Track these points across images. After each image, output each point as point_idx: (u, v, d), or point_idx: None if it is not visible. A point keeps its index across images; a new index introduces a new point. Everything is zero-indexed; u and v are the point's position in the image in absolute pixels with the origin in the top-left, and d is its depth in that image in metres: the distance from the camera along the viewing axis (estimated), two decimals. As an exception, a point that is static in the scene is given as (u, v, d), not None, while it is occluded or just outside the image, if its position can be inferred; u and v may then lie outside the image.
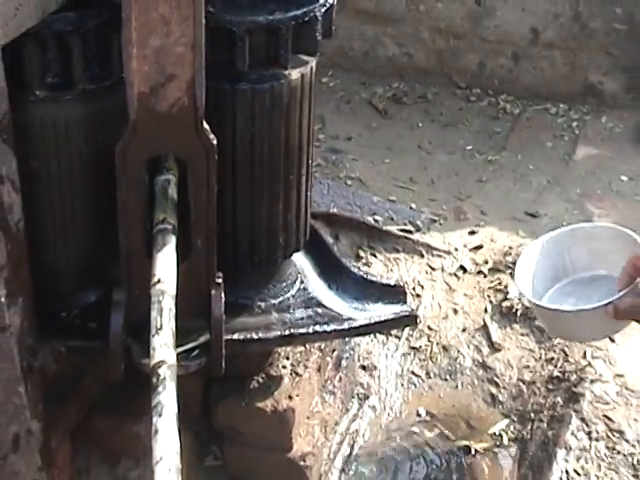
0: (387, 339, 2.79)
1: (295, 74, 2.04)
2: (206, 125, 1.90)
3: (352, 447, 2.59)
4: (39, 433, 2.05)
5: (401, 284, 2.41)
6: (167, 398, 1.62)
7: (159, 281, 1.77)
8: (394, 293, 2.32)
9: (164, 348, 1.68)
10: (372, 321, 2.26)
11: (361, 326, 2.25)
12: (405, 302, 2.32)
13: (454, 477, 2.54)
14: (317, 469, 2.46)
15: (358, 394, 2.68)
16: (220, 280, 2.06)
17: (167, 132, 1.89)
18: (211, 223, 2.01)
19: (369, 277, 2.36)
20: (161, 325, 1.72)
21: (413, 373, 2.75)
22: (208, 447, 2.47)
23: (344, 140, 3.47)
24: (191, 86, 1.85)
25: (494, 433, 2.64)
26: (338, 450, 2.57)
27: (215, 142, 1.92)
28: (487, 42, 3.62)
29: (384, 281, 2.40)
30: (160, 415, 1.58)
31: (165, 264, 1.80)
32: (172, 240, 1.84)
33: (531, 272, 2.11)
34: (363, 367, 2.74)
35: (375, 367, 2.75)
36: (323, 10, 2.01)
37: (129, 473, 2.32)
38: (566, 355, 2.74)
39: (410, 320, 2.34)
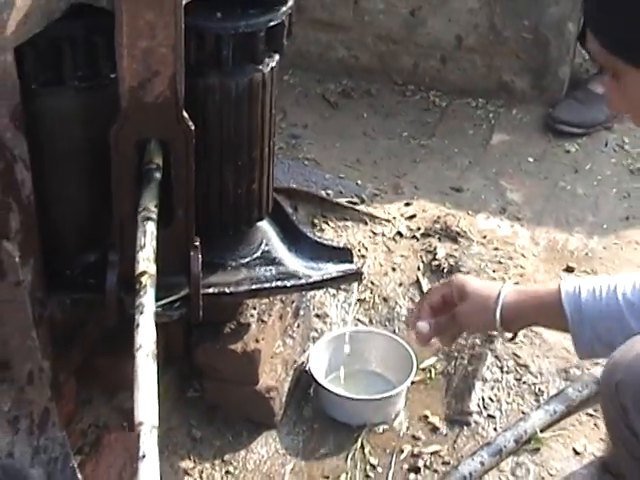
0: (337, 292, 2.71)
1: (266, 69, 1.99)
2: (185, 114, 1.85)
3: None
4: (49, 370, 2.00)
5: (349, 247, 2.37)
6: (147, 300, 1.65)
7: (144, 209, 1.76)
8: (343, 254, 2.27)
9: (146, 262, 1.70)
10: (324, 278, 2.22)
11: (315, 282, 2.21)
12: (352, 262, 2.26)
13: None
14: (279, 400, 2.40)
15: (313, 337, 2.62)
16: (197, 243, 2.01)
17: (153, 119, 1.84)
18: (190, 196, 1.96)
19: (322, 241, 2.31)
20: (144, 244, 1.72)
21: (359, 320, 2.69)
22: (189, 382, 2.41)
23: (302, 127, 3.39)
24: (173, 81, 1.80)
25: (424, 368, 2.59)
26: (296, 384, 2.52)
27: (193, 128, 1.87)
28: (420, 47, 3.55)
29: (334, 244, 2.36)
30: (141, 313, 1.60)
31: (149, 198, 1.78)
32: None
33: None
34: (317, 315, 2.67)
35: (327, 315, 2.68)
36: (287, 17, 1.97)
37: (124, 403, 2.25)
38: (484, 304, 2.71)
39: (356, 277, 2.28)
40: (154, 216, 1.77)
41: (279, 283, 2.16)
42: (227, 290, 2.11)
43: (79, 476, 2.03)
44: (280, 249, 2.24)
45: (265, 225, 2.25)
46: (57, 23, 1.75)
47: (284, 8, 1.93)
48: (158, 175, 1.83)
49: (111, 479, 2.18)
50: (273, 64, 2.00)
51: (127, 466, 2.22)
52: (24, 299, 1.88)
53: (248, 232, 2.21)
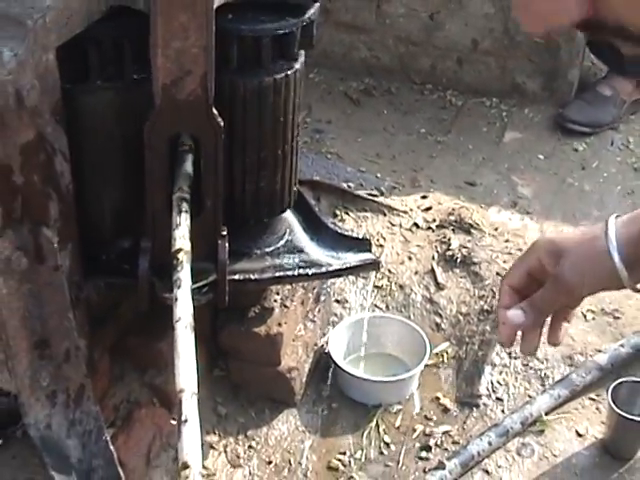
0: (356, 279, 2.68)
1: (294, 68, 1.95)
2: (215, 110, 1.84)
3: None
4: (84, 349, 1.98)
5: (368, 237, 2.35)
6: (184, 275, 1.65)
7: (179, 190, 1.74)
8: (362, 244, 2.24)
9: (182, 239, 1.70)
10: (344, 266, 2.19)
11: (335, 270, 2.18)
12: (370, 252, 2.23)
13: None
14: (300, 380, 2.38)
15: (332, 322, 2.59)
16: (225, 232, 1.99)
17: (184, 115, 1.81)
18: (218, 187, 1.94)
19: (342, 232, 2.28)
20: (180, 222, 1.72)
21: (376, 306, 2.66)
22: (215, 362, 2.39)
23: (325, 123, 3.33)
24: (204, 80, 1.78)
25: (437, 353, 2.57)
26: (317, 365, 2.51)
27: (222, 124, 1.84)
28: (438, 49, 3.48)
29: (354, 235, 2.33)
30: (179, 287, 1.60)
31: (183, 179, 1.78)
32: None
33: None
34: (337, 301, 2.63)
35: (346, 301, 2.65)
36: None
37: (154, 379, 2.24)
38: (494, 293, 2.64)
39: (374, 266, 2.26)
40: (188, 196, 1.76)
41: (301, 271, 2.13)
42: (252, 277, 2.08)
43: (111, 447, 2.02)
44: (303, 239, 2.21)
45: (289, 216, 2.22)
46: (96, 24, 1.73)
47: (311, 11, 1.89)
48: (191, 157, 1.81)
49: (141, 451, 2.17)
50: (299, 65, 1.96)
51: (156, 439, 2.21)
52: (62, 282, 1.87)
53: (272, 222, 2.18)
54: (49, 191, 1.79)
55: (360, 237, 2.29)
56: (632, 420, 2.23)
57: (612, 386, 2.27)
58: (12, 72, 1.54)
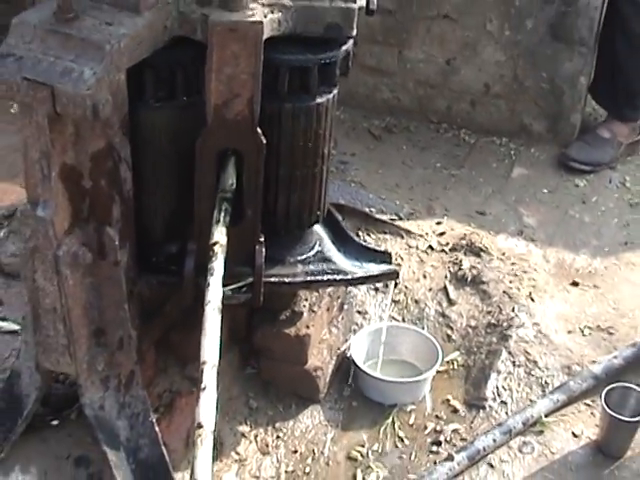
0: (376, 293, 2.82)
1: (332, 94, 2.09)
2: (259, 129, 1.99)
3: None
4: (135, 339, 2.12)
5: (388, 251, 2.48)
6: (217, 265, 1.80)
7: (222, 191, 1.88)
8: (383, 257, 2.39)
9: (219, 234, 1.85)
10: (367, 275, 2.33)
11: (359, 277, 2.33)
12: (390, 263, 2.38)
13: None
14: (324, 379, 2.51)
15: (354, 330, 2.71)
16: (262, 239, 2.13)
17: (232, 133, 1.97)
18: (258, 198, 2.09)
19: (366, 245, 2.42)
20: (220, 219, 1.85)
21: (393, 318, 2.78)
22: (248, 360, 2.52)
23: (350, 155, 3.46)
24: (250, 102, 1.94)
25: (448, 361, 2.69)
26: (339, 367, 2.63)
27: (264, 142, 2.00)
28: (453, 92, 3.60)
29: (376, 248, 2.46)
30: (212, 275, 1.72)
31: (226, 181, 1.93)
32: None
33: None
34: (358, 312, 2.76)
35: (367, 312, 2.77)
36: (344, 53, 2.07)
37: (194, 373, 2.34)
38: (500, 309, 2.78)
39: (393, 276, 2.40)
40: (229, 196, 1.90)
41: (329, 277, 2.28)
42: (285, 280, 2.22)
43: (157, 429, 2.16)
44: (331, 249, 2.34)
45: (319, 229, 2.36)
46: (160, 51, 1.89)
47: (348, 44, 2.03)
48: (234, 167, 1.95)
49: (181, 435, 2.30)
50: (335, 92, 2.11)
51: (194, 426, 2.34)
52: (120, 276, 2.02)
53: (304, 234, 2.32)
54: (113, 195, 1.95)
55: (382, 250, 2.43)
56: (623, 421, 2.35)
57: (605, 390, 2.40)
58: (91, 88, 1.70)
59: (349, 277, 2.30)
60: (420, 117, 3.67)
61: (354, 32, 2.01)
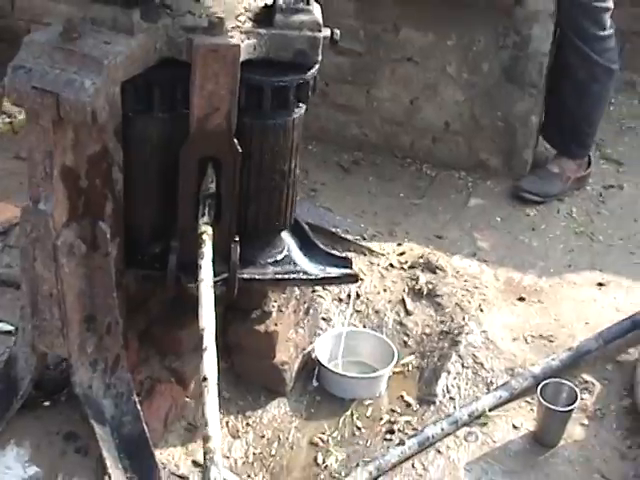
0: (340, 303, 3.07)
1: (296, 114, 2.35)
2: (235, 140, 2.26)
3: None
4: (122, 325, 2.37)
5: (349, 257, 2.73)
6: (207, 249, 2.05)
7: (206, 189, 2.19)
8: (344, 262, 2.65)
9: (205, 225, 2.09)
10: (329, 276, 2.59)
11: (322, 278, 2.59)
12: (351, 268, 2.63)
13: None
14: (290, 374, 2.76)
15: (318, 334, 2.95)
16: (237, 239, 2.37)
17: (212, 142, 2.23)
18: (234, 202, 2.34)
19: (329, 251, 2.67)
20: (204, 213, 2.12)
21: (354, 325, 3.03)
22: (222, 355, 2.69)
23: (320, 185, 3.71)
24: (228, 115, 2.21)
25: (404, 363, 2.94)
26: (304, 366, 2.87)
27: (240, 151, 2.27)
28: (416, 129, 3.85)
29: (338, 254, 2.71)
30: (202, 258, 1.97)
31: (209, 181, 2.21)
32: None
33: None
34: (323, 318, 3.00)
35: (331, 319, 3.02)
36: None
37: (173, 363, 2.61)
38: (452, 319, 3.04)
39: (352, 279, 2.66)
40: (212, 192, 2.18)
41: (295, 276, 2.54)
42: (257, 277, 2.48)
43: (139, 407, 2.40)
44: (298, 254, 2.60)
45: (287, 236, 2.61)
46: (150, 69, 2.18)
47: (313, 70, 2.31)
48: (212, 166, 2.23)
49: (160, 418, 2.54)
50: (302, 111, 2.38)
51: (172, 410, 2.58)
52: (110, 266, 2.27)
53: (274, 239, 2.57)
54: (106, 193, 2.22)
55: (343, 256, 2.69)
56: (555, 411, 2.62)
57: (541, 385, 2.67)
58: (91, 96, 1.98)
59: (312, 277, 2.56)
60: (386, 152, 3.91)
61: (319, 58, 2.29)
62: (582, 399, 2.76)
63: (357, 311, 3.10)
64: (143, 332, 2.59)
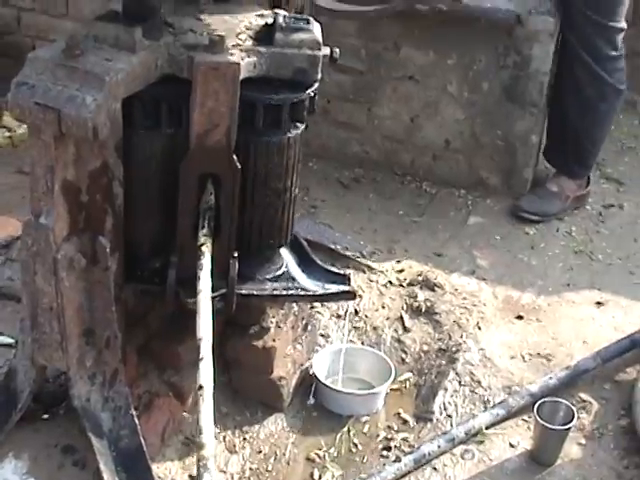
0: (338, 319, 3.09)
1: (297, 131, 2.37)
2: (235, 156, 2.29)
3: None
4: (120, 339, 2.38)
5: (348, 273, 2.75)
6: (205, 261, 2.10)
7: (206, 202, 2.22)
8: (342, 279, 2.65)
9: (205, 236, 2.14)
10: (327, 292, 2.61)
11: (320, 295, 2.60)
12: (349, 284, 2.64)
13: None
14: (288, 390, 2.78)
15: (317, 350, 2.97)
16: (236, 254, 2.39)
17: (211, 158, 2.25)
18: (233, 218, 2.36)
19: (328, 267, 2.69)
20: (204, 225, 2.15)
21: (352, 342, 3.05)
22: (220, 370, 2.67)
23: (320, 201, 3.74)
24: (228, 132, 2.23)
25: (401, 380, 2.96)
26: (302, 382, 2.89)
27: (239, 167, 2.30)
28: (417, 146, 3.89)
29: (337, 271, 2.72)
30: (201, 269, 2.00)
31: (208, 195, 2.23)
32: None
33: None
34: (322, 335, 3.02)
35: (329, 335, 3.04)
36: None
37: (171, 377, 2.63)
38: (450, 336, 3.06)
39: (350, 295, 2.66)
40: (212, 205, 2.20)
41: (293, 292, 2.55)
42: (255, 292, 2.50)
43: (136, 421, 2.42)
44: (296, 270, 2.61)
45: (286, 253, 2.63)
46: (151, 86, 2.21)
47: (309, 89, 2.33)
48: (211, 181, 2.26)
49: (157, 432, 2.56)
50: (300, 130, 2.40)
51: (170, 424, 2.60)
52: (109, 281, 2.30)
53: (273, 256, 2.59)
54: (107, 208, 2.24)
55: (341, 272, 2.71)
56: (553, 430, 2.63)
57: (538, 404, 2.68)
58: (92, 112, 2.02)
59: (310, 294, 2.57)
60: (386, 169, 3.95)
61: (319, 76, 2.32)
62: (579, 418, 2.78)
63: (356, 328, 3.12)
64: (142, 346, 2.61)
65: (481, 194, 3.87)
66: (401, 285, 3.29)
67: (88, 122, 2.02)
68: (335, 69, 3.77)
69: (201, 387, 1.82)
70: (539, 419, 2.63)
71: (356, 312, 3.15)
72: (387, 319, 3.15)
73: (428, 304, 3.19)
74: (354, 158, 3.98)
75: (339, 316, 3.12)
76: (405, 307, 3.19)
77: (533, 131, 3.77)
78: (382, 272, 3.32)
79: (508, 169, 3.85)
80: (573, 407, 2.72)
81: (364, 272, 3.31)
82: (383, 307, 3.19)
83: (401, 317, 3.16)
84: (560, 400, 2.73)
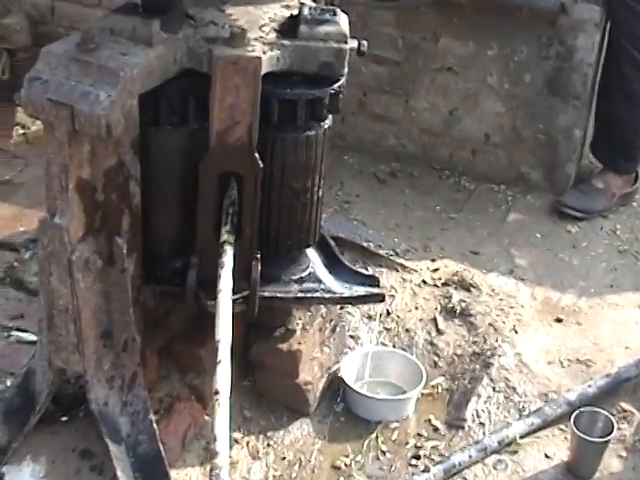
0: (369, 320, 3.01)
1: (312, 132, 2.29)
2: (256, 154, 2.22)
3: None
4: (139, 342, 2.32)
5: (376, 275, 2.68)
6: (227, 259, 2.04)
7: (229, 198, 2.13)
8: (371, 280, 2.59)
9: (227, 234, 2.06)
10: (354, 295, 2.53)
11: (347, 297, 2.52)
12: (378, 287, 2.57)
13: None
14: (314, 394, 2.70)
15: (345, 352, 2.88)
16: (258, 255, 2.32)
17: (232, 157, 2.18)
18: (255, 217, 2.28)
19: (356, 269, 2.62)
20: (227, 221, 2.08)
21: (383, 344, 2.97)
22: (244, 373, 2.69)
23: (354, 196, 3.65)
24: (249, 129, 2.16)
25: (433, 385, 2.87)
26: (329, 386, 2.81)
27: (262, 165, 2.22)
28: (455, 140, 3.78)
29: (365, 272, 2.67)
30: (223, 267, 1.94)
31: (231, 191, 2.16)
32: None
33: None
34: (351, 336, 2.94)
35: (359, 337, 2.95)
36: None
37: (193, 380, 2.57)
38: (485, 340, 2.96)
39: (379, 298, 2.58)
40: (235, 200, 2.13)
41: (319, 295, 2.48)
42: (279, 295, 2.43)
43: (155, 426, 2.36)
44: (323, 271, 2.54)
45: (312, 253, 2.56)
46: (170, 81, 2.14)
47: (340, 82, 2.24)
48: (233, 180, 2.19)
49: (178, 436, 2.50)
50: (322, 129, 2.31)
51: (191, 428, 2.54)
52: (127, 283, 2.24)
53: (299, 256, 2.52)
54: (123, 208, 2.18)
55: (370, 274, 2.63)
56: (591, 442, 2.52)
57: (575, 414, 2.58)
58: (105, 109, 1.95)
59: (337, 296, 2.49)
60: (423, 163, 3.85)
61: (345, 70, 2.23)
62: (620, 429, 2.67)
63: (387, 329, 3.03)
64: (163, 348, 2.55)
65: (521, 190, 3.76)
66: (435, 285, 3.19)
67: (101, 119, 1.95)
68: (371, 60, 3.69)
69: (217, 392, 1.74)
70: (576, 430, 2.52)
71: (388, 313, 3.05)
72: (420, 320, 3.06)
73: (463, 305, 3.09)
74: (390, 152, 3.89)
75: (370, 317, 3.03)
76: (439, 308, 3.10)
77: (576, 125, 3.64)
78: (416, 271, 3.23)
79: (550, 164, 3.73)
80: (612, 417, 2.61)
81: (397, 271, 3.22)
82: (416, 308, 3.10)
83: (434, 319, 3.06)
84: (599, 410, 2.62)
